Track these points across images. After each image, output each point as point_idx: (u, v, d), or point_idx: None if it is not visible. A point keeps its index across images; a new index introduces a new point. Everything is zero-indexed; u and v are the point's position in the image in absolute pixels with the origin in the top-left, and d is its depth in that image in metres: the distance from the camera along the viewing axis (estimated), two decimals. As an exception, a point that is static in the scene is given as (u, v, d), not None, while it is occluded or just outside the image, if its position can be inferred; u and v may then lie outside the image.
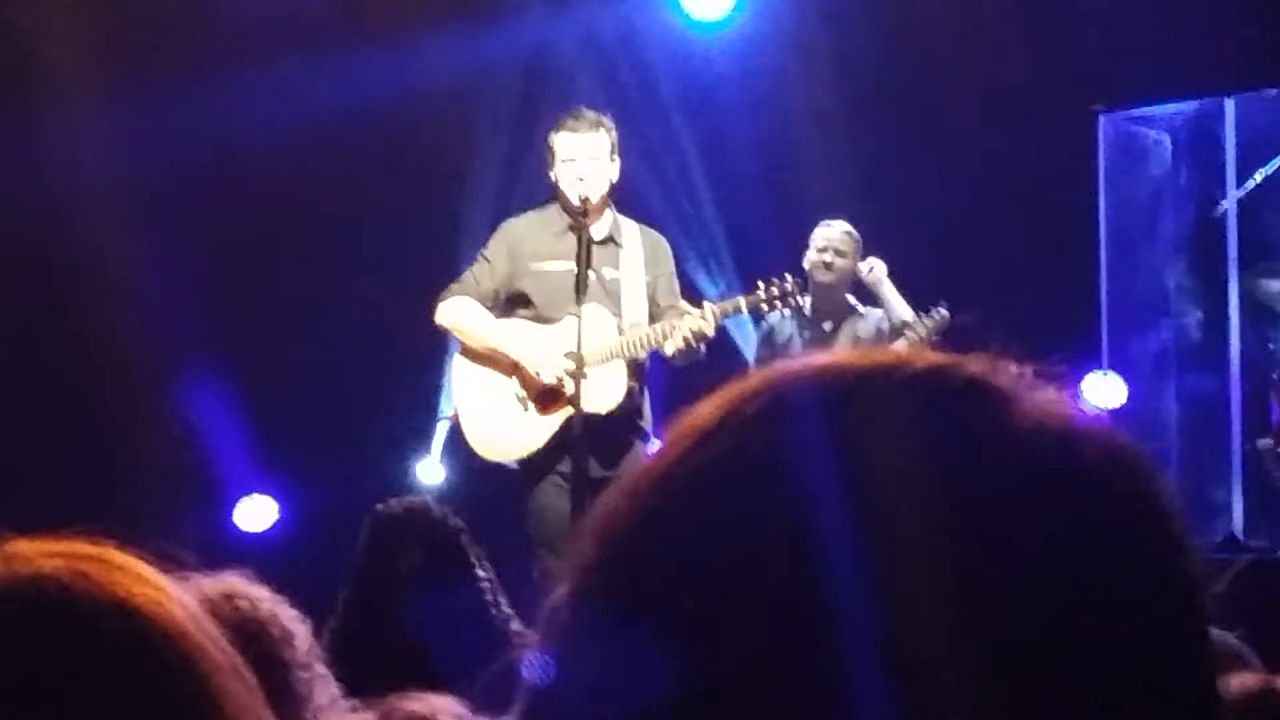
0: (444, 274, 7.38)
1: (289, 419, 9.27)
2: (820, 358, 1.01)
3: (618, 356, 7.05)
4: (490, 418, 7.20)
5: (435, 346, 8.32)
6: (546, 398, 7.08)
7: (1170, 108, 9.51)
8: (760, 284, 7.23)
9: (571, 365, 6.89)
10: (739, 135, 9.41)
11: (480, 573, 4.10)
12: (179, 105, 8.71)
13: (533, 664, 0.97)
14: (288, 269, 9.36)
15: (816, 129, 9.25)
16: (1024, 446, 0.95)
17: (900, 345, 7.60)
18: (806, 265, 8.35)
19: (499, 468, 7.26)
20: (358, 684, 2.76)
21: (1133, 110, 9.49)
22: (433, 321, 7.31)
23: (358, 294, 9.28)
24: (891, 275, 8.36)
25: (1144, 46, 8.85)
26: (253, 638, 2.18)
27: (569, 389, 6.93)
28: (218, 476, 9.32)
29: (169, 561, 1.31)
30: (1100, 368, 9.07)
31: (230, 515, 9.46)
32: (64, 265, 8.88)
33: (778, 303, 7.24)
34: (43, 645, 1.17)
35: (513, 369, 7.16)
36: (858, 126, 9.25)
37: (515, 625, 4.02)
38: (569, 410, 6.94)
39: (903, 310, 8.26)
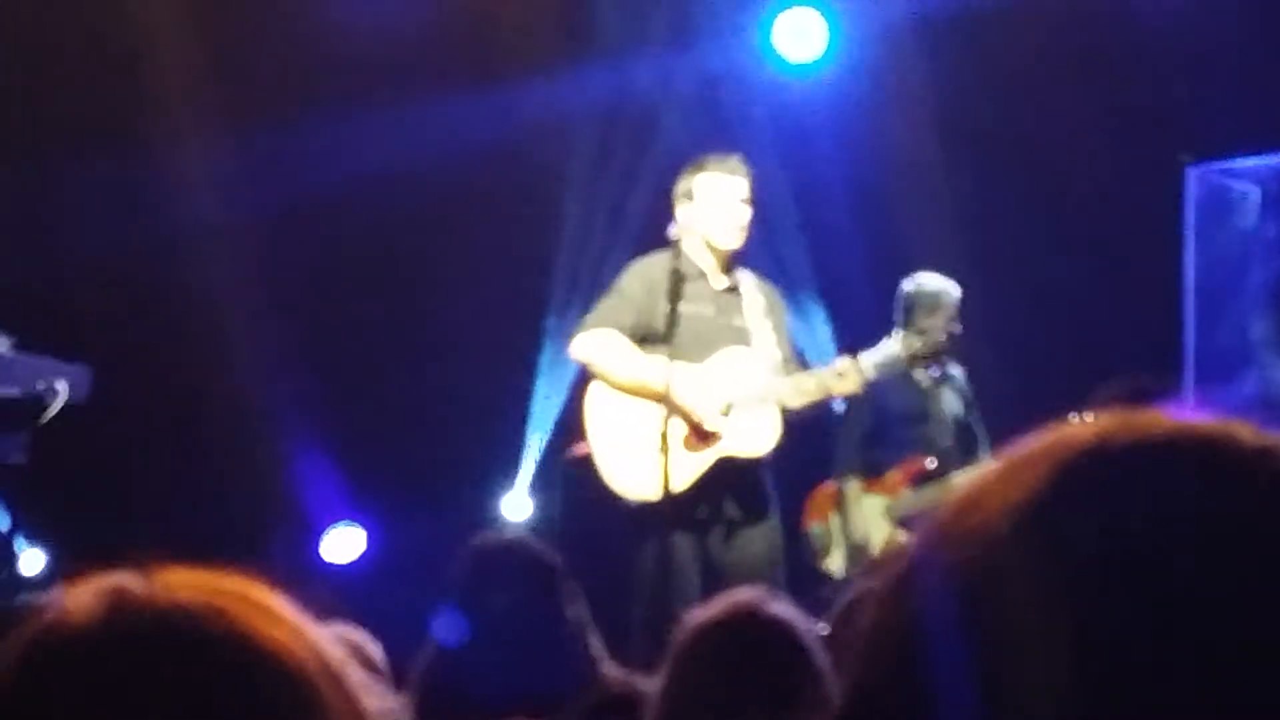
0: (534, 311, 7.31)
1: (377, 450, 9.32)
2: (1116, 423, 1.09)
3: (771, 401, 6.89)
4: (632, 454, 6.85)
5: (522, 381, 8.31)
6: (695, 437, 6.85)
7: (1259, 160, 9.46)
8: (914, 338, 7.11)
9: (728, 407, 6.76)
10: (831, 178, 9.38)
11: (568, 612, 4.08)
12: (281, 145, 8.79)
13: None
14: (381, 302, 9.42)
15: (907, 171, 9.25)
16: None
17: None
18: (943, 335, 8.17)
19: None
20: (452, 715, 2.78)
21: (1222, 163, 9.45)
22: (568, 353, 7.14)
23: (449, 328, 9.31)
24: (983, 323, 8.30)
25: (1233, 98, 8.82)
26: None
27: (723, 430, 6.77)
28: (306, 506, 9.39)
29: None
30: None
31: (318, 545, 9.54)
32: (168, 297, 8.98)
33: (935, 357, 7.12)
34: (161, 673, 1.19)
35: (660, 404, 6.69)
36: (949, 172, 9.24)
37: (604, 666, 4.01)
38: (718, 452, 6.79)
39: None
